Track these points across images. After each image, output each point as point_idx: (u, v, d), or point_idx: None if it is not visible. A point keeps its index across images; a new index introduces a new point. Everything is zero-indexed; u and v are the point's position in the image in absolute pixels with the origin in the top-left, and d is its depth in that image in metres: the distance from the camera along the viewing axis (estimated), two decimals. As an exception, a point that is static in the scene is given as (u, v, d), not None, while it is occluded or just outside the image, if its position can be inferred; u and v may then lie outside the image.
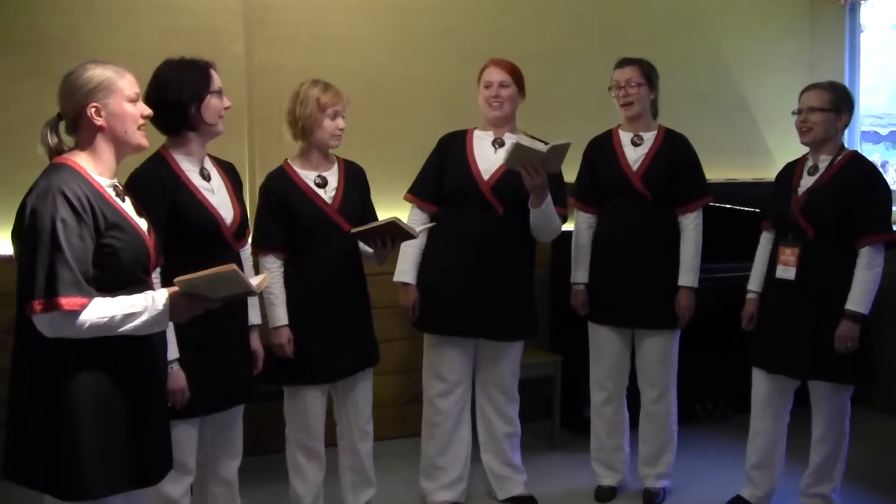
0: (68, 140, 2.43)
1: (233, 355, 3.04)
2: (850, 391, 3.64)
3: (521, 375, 3.98)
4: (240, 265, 3.03)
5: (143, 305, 2.34)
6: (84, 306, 2.25)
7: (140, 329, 2.34)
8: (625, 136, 3.92)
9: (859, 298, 3.43)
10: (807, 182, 3.60)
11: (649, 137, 3.89)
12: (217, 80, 2.93)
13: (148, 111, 2.48)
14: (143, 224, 2.50)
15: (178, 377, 2.83)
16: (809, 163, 3.65)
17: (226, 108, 2.96)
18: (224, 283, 2.38)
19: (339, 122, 3.36)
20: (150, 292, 2.39)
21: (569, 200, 4.03)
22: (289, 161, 3.45)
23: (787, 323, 3.57)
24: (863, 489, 4.13)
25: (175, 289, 2.38)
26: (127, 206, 2.46)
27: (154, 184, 2.84)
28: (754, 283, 3.81)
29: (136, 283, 2.42)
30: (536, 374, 4.60)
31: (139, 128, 2.45)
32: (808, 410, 3.68)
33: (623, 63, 3.89)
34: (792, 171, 3.72)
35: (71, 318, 2.24)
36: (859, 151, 3.80)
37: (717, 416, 4.97)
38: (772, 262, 3.68)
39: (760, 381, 3.75)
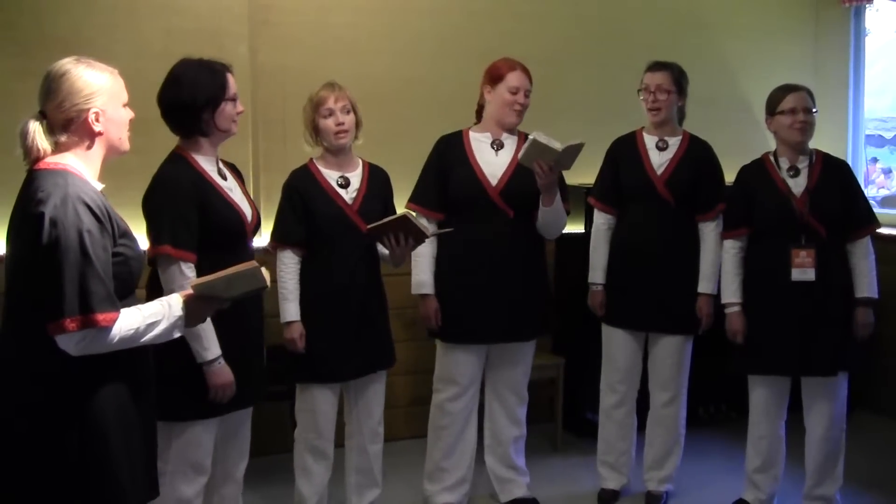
0: (49, 143, 2.26)
1: (249, 354, 3.03)
2: (847, 387, 3.70)
3: (526, 377, 3.98)
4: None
5: (162, 313, 2.27)
6: (115, 321, 2.17)
7: (160, 337, 2.28)
8: (649, 140, 3.90)
9: (871, 285, 3.62)
10: (797, 183, 3.63)
11: (674, 143, 3.88)
12: (233, 86, 2.91)
13: (132, 115, 2.39)
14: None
15: (224, 372, 2.83)
16: (785, 164, 3.67)
17: (238, 113, 2.94)
18: (242, 281, 2.35)
19: (338, 117, 3.34)
20: (164, 298, 2.33)
21: (588, 199, 4.04)
22: (314, 160, 3.46)
23: (813, 324, 3.56)
24: (865, 492, 4.12)
25: (188, 292, 2.33)
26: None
27: (186, 185, 2.83)
28: (735, 294, 3.72)
29: (133, 294, 2.37)
30: (539, 377, 4.58)
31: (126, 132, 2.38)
32: (801, 414, 3.72)
33: (655, 67, 3.85)
34: (764, 175, 3.70)
35: (104, 334, 2.15)
36: (849, 152, 3.94)
37: (720, 419, 4.97)
38: (773, 268, 3.61)
39: (760, 386, 3.74)
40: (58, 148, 2.27)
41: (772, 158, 3.71)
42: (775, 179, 3.66)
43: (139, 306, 2.28)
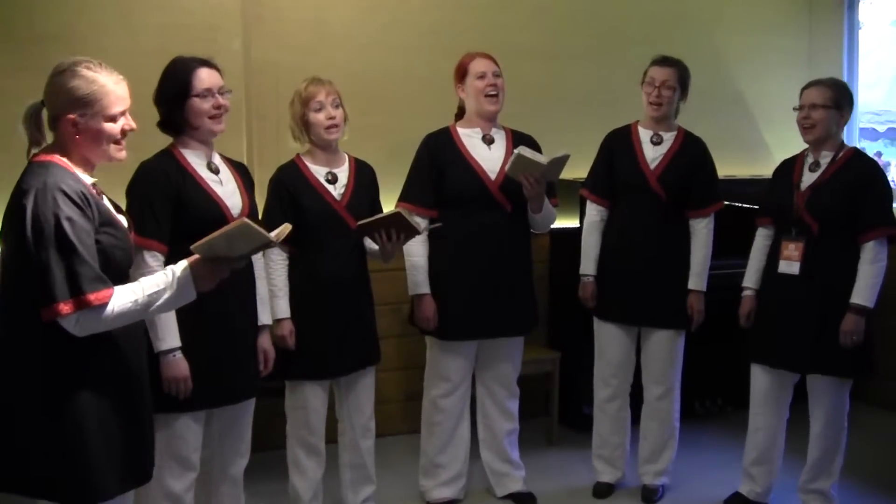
0: (46, 131, 2.36)
1: (237, 350, 3.03)
2: (849, 386, 3.65)
3: (521, 372, 3.98)
4: (249, 261, 3.03)
5: (165, 282, 2.30)
6: (110, 297, 2.22)
7: (167, 305, 2.32)
8: (644, 134, 3.90)
9: (865, 292, 3.46)
10: (809, 178, 3.61)
11: (669, 138, 3.87)
12: (203, 81, 2.89)
13: (131, 126, 2.39)
14: (124, 221, 2.46)
15: (179, 366, 2.83)
16: (810, 159, 3.65)
17: (216, 108, 2.92)
18: (241, 238, 2.33)
19: (329, 111, 3.34)
20: (169, 267, 2.34)
21: (581, 191, 4.05)
22: (300, 156, 3.45)
23: (790, 318, 3.57)
24: (861, 485, 4.14)
25: (195, 257, 2.33)
26: (108, 204, 2.42)
27: (159, 175, 2.86)
28: (751, 279, 3.80)
29: (125, 279, 2.38)
30: (535, 371, 4.59)
31: (117, 142, 2.37)
32: (806, 406, 3.69)
33: (662, 62, 3.84)
34: (791, 167, 3.71)
35: (99, 312, 2.21)
36: (859, 148, 3.81)
37: (716, 413, 4.97)
38: (772, 258, 3.68)
39: (760, 377, 3.75)
40: (54, 142, 2.35)
41: (806, 152, 3.70)
42: (793, 172, 3.66)
43: (140, 280, 2.31)
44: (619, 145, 3.94)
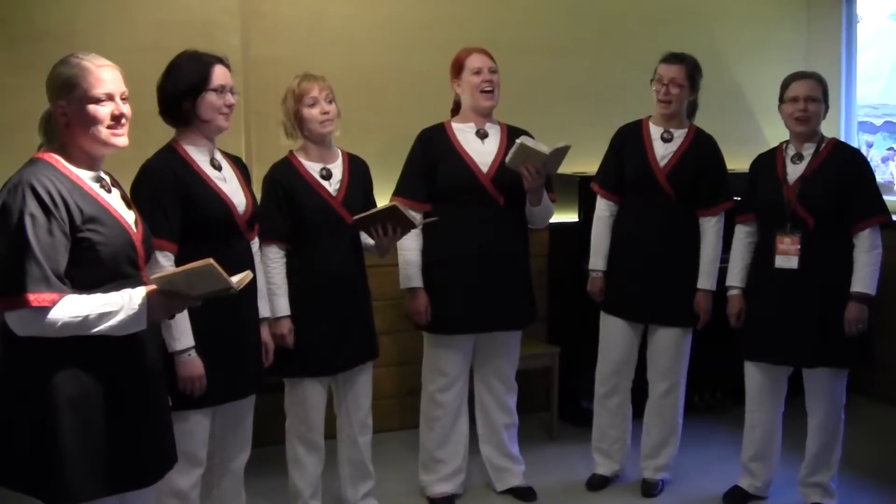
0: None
1: (245, 345, 3.04)
2: (845, 379, 3.67)
3: (520, 367, 3.99)
4: (250, 255, 3.05)
5: (120, 304, 2.27)
6: (54, 303, 2.19)
7: (116, 329, 2.27)
8: (655, 130, 3.88)
9: (865, 280, 3.50)
10: (795, 170, 3.62)
11: (679, 135, 3.86)
12: (219, 77, 2.91)
13: (121, 111, 2.37)
14: (129, 217, 2.44)
15: (194, 364, 2.83)
16: (791, 151, 3.66)
17: (228, 106, 2.93)
18: (202, 279, 2.30)
19: (323, 106, 3.35)
20: (127, 290, 2.31)
21: (591, 185, 4.05)
22: (294, 153, 3.45)
23: (792, 313, 3.57)
24: (860, 478, 4.15)
25: (153, 287, 2.31)
26: (112, 199, 2.41)
27: (167, 173, 2.86)
28: (736, 278, 3.79)
29: (121, 277, 2.36)
30: (535, 366, 4.60)
31: (114, 127, 2.36)
32: (803, 399, 3.70)
33: (670, 59, 3.81)
34: (771, 161, 3.72)
35: (40, 316, 2.18)
36: (841, 139, 3.83)
37: (716, 407, 4.98)
38: (762, 254, 3.67)
39: (754, 374, 3.76)
40: (54, 139, 2.37)
41: (784, 145, 3.71)
42: (777, 166, 3.66)
43: (99, 294, 2.28)
44: (630, 141, 3.93)
